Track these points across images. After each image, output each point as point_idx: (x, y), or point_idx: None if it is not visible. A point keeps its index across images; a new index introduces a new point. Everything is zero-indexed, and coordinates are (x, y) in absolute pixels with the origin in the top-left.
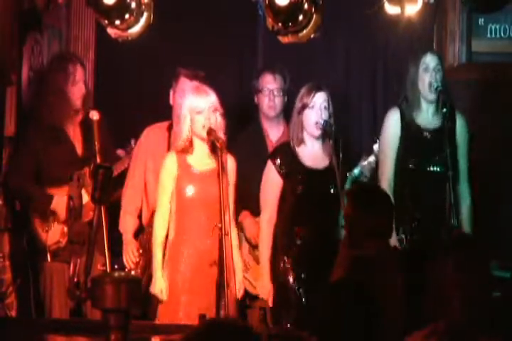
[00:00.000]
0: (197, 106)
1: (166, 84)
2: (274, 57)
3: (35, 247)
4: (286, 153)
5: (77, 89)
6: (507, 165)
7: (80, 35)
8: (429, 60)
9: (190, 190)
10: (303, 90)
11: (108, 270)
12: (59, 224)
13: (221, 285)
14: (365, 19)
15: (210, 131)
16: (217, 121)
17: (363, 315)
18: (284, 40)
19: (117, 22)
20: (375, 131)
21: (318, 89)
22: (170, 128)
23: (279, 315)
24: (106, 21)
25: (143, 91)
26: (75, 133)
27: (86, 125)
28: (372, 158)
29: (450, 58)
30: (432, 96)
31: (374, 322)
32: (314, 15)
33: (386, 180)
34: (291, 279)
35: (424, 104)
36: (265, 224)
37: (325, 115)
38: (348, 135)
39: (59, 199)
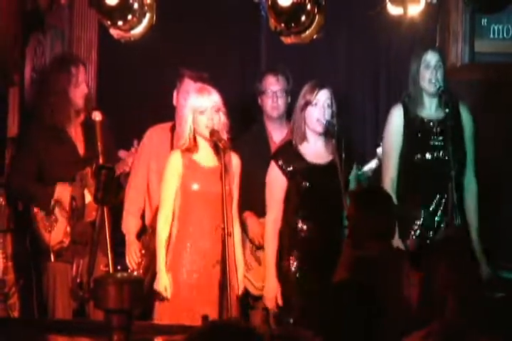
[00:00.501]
0: (200, 105)
1: (168, 84)
2: (276, 57)
3: (38, 247)
4: (288, 152)
5: (80, 91)
6: (509, 165)
7: (83, 36)
8: (430, 58)
9: (195, 187)
10: (306, 87)
11: (111, 270)
12: (65, 213)
13: (224, 286)
14: (367, 20)
15: (213, 132)
16: (221, 120)
17: (365, 315)
18: (287, 40)
19: (120, 23)
20: (378, 131)
21: (322, 86)
22: (173, 129)
23: (283, 315)
24: (108, 22)
25: (145, 91)
26: (76, 134)
27: (87, 125)
28: (374, 164)
29: (453, 58)
30: (433, 91)
31: (375, 322)
32: (317, 16)
33: (389, 179)
34: (294, 278)
35: (427, 101)
36: (271, 225)
37: (328, 113)
38: (351, 135)
39: (62, 188)
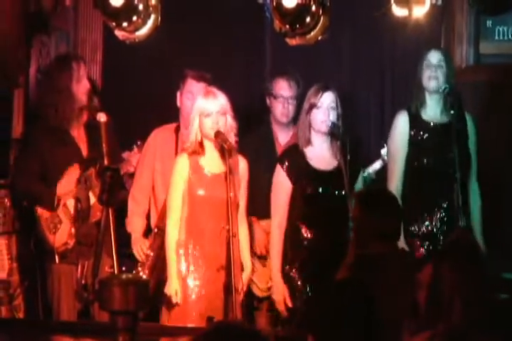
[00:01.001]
0: (205, 109)
1: (173, 85)
2: (281, 59)
3: (43, 249)
4: (294, 155)
5: (82, 86)
6: None
7: (88, 38)
8: (432, 56)
9: (201, 192)
10: (311, 91)
11: (116, 272)
12: (69, 215)
13: (229, 290)
14: (372, 21)
15: (218, 134)
16: (227, 123)
17: (364, 313)
18: (292, 42)
19: (125, 24)
20: (383, 132)
21: (326, 89)
22: (177, 130)
23: (288, 317)
24: (113, 23)
25: (150, 93)
26: (79, 135)
27: (90, 127)
28: (378, 165)
29: (458, 60)
30: (433, 87)
31: (374, 320)
32: (322, 17)
33: (395, 182)
34: (299, 281)
35: (430, 102)
36: (276, 230)
37: (333, 115)
38: (356, 137)
39: (65, 182)
